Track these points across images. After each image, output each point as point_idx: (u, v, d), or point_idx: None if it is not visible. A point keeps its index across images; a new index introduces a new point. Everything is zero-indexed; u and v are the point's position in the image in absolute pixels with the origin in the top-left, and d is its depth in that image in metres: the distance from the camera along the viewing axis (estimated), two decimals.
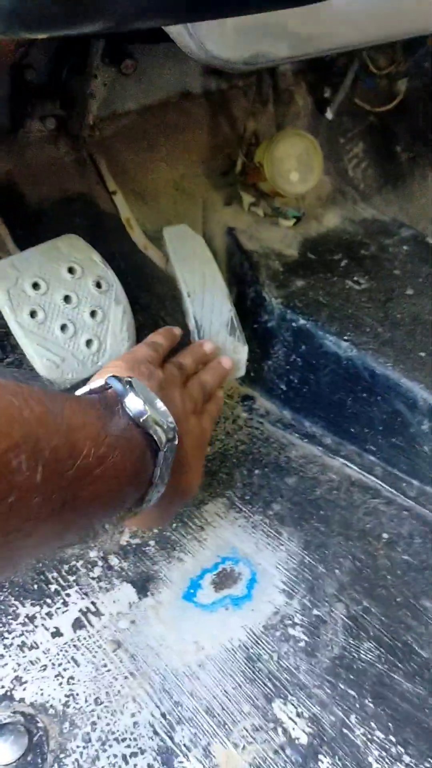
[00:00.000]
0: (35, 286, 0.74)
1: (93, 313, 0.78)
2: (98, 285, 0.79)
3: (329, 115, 1.10)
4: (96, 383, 0.58)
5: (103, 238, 0.95)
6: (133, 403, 0.54)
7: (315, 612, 0.70)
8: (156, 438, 0.54)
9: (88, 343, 0.78)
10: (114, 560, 0.75)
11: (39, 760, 0.58)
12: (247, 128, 1.04)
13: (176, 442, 0.58)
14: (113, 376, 0.56)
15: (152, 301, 1.01)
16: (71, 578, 0.73)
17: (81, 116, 0.88)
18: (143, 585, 0.73)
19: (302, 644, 0.67)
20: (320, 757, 0.59)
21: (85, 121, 0.88)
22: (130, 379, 0.56)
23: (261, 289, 0.98)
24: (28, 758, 0.58)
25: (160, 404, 0.57)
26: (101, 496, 0.49)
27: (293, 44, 0.72)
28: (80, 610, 0.70)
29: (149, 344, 0.74)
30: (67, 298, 0.76)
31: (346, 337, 0.87)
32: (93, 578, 0.73)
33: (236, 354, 0.89)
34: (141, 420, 0.54)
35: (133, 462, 0.52)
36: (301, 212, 1.06)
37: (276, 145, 0.97)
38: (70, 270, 0.77)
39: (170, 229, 0.89)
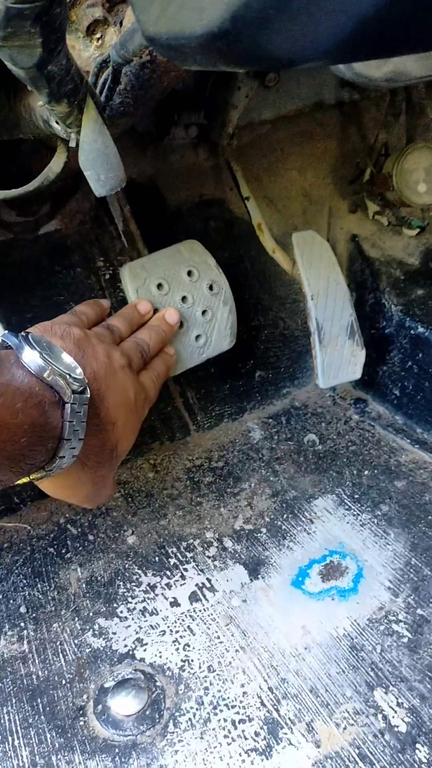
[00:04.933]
0: (159, 286, 0.82)
1: (204, 312, 0.85)
2: (211, 287, 0.86)
3: None
4: None
5: (233, 241, 1.01)
6: (29, 356, 0.51)
7: (419, 611, 0.73)
8: (58, 389, 0.52)
9: (197, 337, 0.85)
10: (228, 542, 0.80)
11: (156, 716, 0.64)
12: (378, 139, 1.06)
13: (87, 395, 0.55)
14: (10, 332, 0.54)
15: (274, 302, 1.06)
16: (189, 555, 0.79)
17: (222, 125, 0.94)
18: (255, 568, 0.77)
19: (405, 640, 0.70)
20: (417, 746, 0.61)
21: (225, 130, 0.94)
22: (27, 334, 0.54)
23: (381, 295, 1.01)
24: (147, 712, 0.64)
25: (66, 357, 0.54)
26: None
27: None
28: (197, 585, 0.75)
29: (71, 312, 0.72)
30: (184, 299, 0.84)
31: None
32: (209, 557, 0.79)
33: (354, 357, 0.93)
34: (40, 372, 0.51)
35: (31, 414, 0.49)
36: (425, 222, 1.07)
37: (406, 157, 0.99)
38: (189, 273, 0.85)
39: (299, 235, 0.93)
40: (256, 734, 0.62)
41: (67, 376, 0.52)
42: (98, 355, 0.62)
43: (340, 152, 1.10)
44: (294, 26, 0.29)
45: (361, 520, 0.84)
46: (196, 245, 0.87)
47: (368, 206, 1.09)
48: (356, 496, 0.87)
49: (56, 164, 0.64)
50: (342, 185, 1.11)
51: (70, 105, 0.47)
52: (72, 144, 0.52)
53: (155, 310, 0.81)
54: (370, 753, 0.60)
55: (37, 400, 0.50)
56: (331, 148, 1.09)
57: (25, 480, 0.54)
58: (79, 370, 0.54)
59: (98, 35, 0.54)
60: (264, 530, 0.82)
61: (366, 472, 0.91)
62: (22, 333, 0.54)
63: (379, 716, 0.63)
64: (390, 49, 0.33)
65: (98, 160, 0.51)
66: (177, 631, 0.71)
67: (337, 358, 0.92)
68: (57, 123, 0.51)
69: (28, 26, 0.38)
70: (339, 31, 0.30)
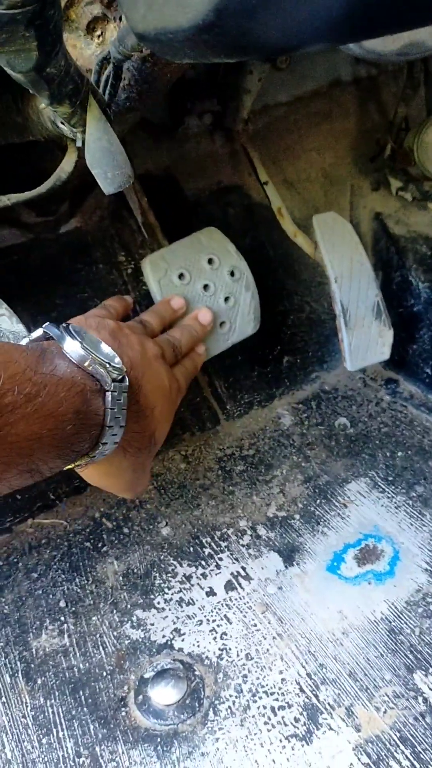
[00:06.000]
0: (181, 276, 0.83)
1: (227, 299, 0.86)
2: (232, 274, 0.86)
3: None
4: (36, 333, 0.57)
5: (254, 227, 1.00)
6: (71, 346, 0.53)
7: None
8: (99, 378, 0.54)
9: (222, 324, 0.86)
10: (262, 530, 0.81)
11: (196, 704, 0.64)
12: (398, 113, 1.04)
13: (126, 383, 0.57)
14: (51, 324, 0.56)
15: (298, 287, 1.05)
16: (223, 544, 0.79)
17: (236, 111, 0.93)
18: (289, 555, 0.77)
19: None
20: None
21: (239, 115, 0.93)
22: (68, 325, 0.56)
23: (408, 273, 0.99)
24: (187, 701, 0.65)
25: (105, 347, 0.56)
26: (40, 435, 0.48)
27: None
28: (232, 574, 0.76)
29: (102, 306, 0.76)
30: (206, 287, 0.85)
31: None
32: (243, 545, 0.79)
33: (382, 337, 0.91)
34: (81, 362, 0.53)
35: (74, 402, 0.51)
36: None
37: (426, 130, 0.97)
38: (210, 261, 0.85)
39: (320, 217, 0.92)
40: (296, 720, 0.62)
41: (107, 365, 0.54)
42: (133, 345, 0.65)
43: (359, 130, 1.08)
44: (279, 14, 0.29)
45: (395, 503, 0.83)
46: (215, 232, 0.88)
47: (391, 183, 1.07)
48: (390, 479, 0.86)
49: (67, 164, 0.64)
50: (363, 163, 1.09)
51: (72, 105, 0.47)
52: (78, 143, 0.52)
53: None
54: (411, 736, 0.60)
55: (79, 388, 0.52)
56: (350, 126, 1.07)
57: (71, 466, 0.56)
58: (117, 359, 0.56)
59: (98, 32, 0.53)
60: (297, 516, 0.82)
61: (399, 454, 0.90)
62: (63, 324, 0.56)
63: (420, 699, 0.63)
64: (380, 29, 0.32)
65: (104, 158, 0.51)
66: (214, 620, 0.71)
67: (365, 339, 0.91)
68: (63, 123, 0.51)
69: (21, 30, 0.38)
70: (325, 14, 0.29)
